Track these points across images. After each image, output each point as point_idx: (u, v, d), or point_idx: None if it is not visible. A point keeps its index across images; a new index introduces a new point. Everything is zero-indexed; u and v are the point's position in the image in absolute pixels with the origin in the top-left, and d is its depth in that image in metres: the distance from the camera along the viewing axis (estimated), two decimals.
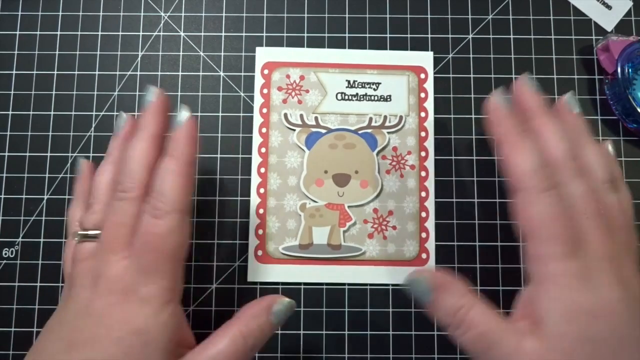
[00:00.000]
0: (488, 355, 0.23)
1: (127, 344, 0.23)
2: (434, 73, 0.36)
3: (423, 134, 0.35)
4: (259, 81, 0.35)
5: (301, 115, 0.35)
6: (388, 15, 0.36)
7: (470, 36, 0.36)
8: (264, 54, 0.36)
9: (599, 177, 0.25)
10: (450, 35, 0.36)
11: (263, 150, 0.34)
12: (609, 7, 0.36)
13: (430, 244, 0.34)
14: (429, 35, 0.36)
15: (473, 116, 0.35)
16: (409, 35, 0.36)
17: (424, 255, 0.33)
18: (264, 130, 0.35)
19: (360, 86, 0.35)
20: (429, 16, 0.36)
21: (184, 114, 0.26)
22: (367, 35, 0.36)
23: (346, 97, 0.35)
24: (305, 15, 0.36)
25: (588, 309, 0.22)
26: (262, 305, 0.26)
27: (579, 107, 0.28)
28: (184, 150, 0.25)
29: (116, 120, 0.30)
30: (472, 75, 0.36)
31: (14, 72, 0.35)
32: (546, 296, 0.23)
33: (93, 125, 0.35)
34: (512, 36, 0.36)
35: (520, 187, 0.24)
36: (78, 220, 0.27)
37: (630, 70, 0.34)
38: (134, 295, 0.23)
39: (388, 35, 0.36)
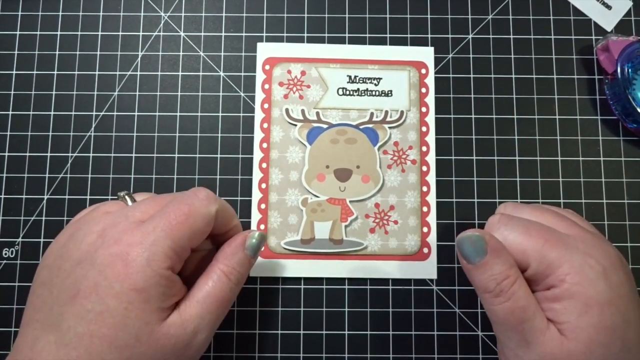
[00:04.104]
0: (517, 328, 0.24)
1: (128, 300, 0.23)
2: (434, 73, 0.36)
3: (424, 129, 0.35)
4: (260, 77, 0.35)
5: (302, 111, 0.35)
6: (388, 15, 0.36)
7: (470, 36, 0.36)
8: (265, 50, 0.36)
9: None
10: (450, 35, 0.36)
11: (264, 145, 0.34)
12: (608, 7, 0.37)
13: (432, 239, 0.34)
14: (429, 35, 0.36)
15: (473, 116, 0.35)
16: (408, 35, 0.36)
17: (425, 250, 0.33)
18: (265, 125, 0.35)
19: (361, 81, 0.35)
20: (429, 16, 0.36)
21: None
22: (367, 35, 0.36)
23: (347, 92, 0.35)
24: (305, 15, 0.36)
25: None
26: (237, 243, 0.28)
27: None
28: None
29: None
30: (472, 75, 0.36)
31: (14, 72, 0.35)
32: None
33: (93, 125, 0.35)
34: (512, 36, 0.36)
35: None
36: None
37: (630, 70, 0.34)
38: (139, 251, 0.24)
39: (388, 35, 0.36)
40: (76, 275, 0.24)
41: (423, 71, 0.35)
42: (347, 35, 0.36)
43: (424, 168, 0.34)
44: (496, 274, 0.25)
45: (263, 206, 0.34)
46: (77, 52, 0.36)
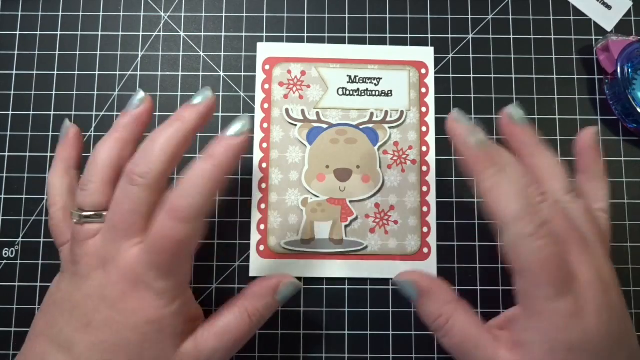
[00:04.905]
0: (464, 359, 0.25)
1: (142, 331, 0.23)
2: (434, 73, 0.36)
3: (424, 129, 0.35)
4: (260, 77, 0.35)
5: (302, 111, 0.35)
6: (388, 15, 0.36)
7: (470, 36, 0.36)
8: (265, 50, 0.36)
9: (562, 188, 0.26)
10: (450, 35, 0.36)
11: (264, 145, 0.34)
12: (608, 7, 0.37)
13: (432, 239, 0.34)
14: (429, 35, 0.36)
15: (473, 116, 0.35)
16: (408, 35, 0.36)
17: (425, 250, 0.33)
18: (265, 125, 0.35)
19: (361, 81, 0.35)
20: (429, 16, 0.36)
21: (244, 126, 0.25)
22: (367, 35, 0.36)
23: (347, 92, 0.35)
24: (305, 15, 0.36)
25: (573, 345, 0.22)
26: (268, 286, 0.27)
27: (523, 116, 0.27)
28: (226, 157, 0.24)
29: (133, 97, 0.27)
30: (472, 75, 0.36)
31: (14, 72, 0.35)
32: (533, 328, 0.23)
33: (93, 125, 0.35)
34: (512, 36, 0.36)
35: (507, 229, 0.23)
36: (77, 200, 0.26)
37: (630, 70, 0.34)
38: (146, 287, 0.24)
39: (388, 35, 0.36)
40: (87, 308, 0.24)
41: (423, 71, 0.35)
42: (347, 35, 0.36)
43: (424, 168, 0.34)
44: (428, 313, 0.26)
45: (263, 206, 0.34)
46: (77, 52, 0.36)
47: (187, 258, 0.25)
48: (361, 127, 0.35)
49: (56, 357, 0.23)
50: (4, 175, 0.34)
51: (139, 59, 0.36)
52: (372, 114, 0.35)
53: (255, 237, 0.33)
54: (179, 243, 0.23)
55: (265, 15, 0.36)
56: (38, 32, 0.36)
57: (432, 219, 0.34)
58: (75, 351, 0.23)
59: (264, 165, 0.34)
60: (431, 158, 0.35)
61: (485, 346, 0.24)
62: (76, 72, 0.35)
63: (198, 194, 0.23)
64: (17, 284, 0.33)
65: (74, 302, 0.24)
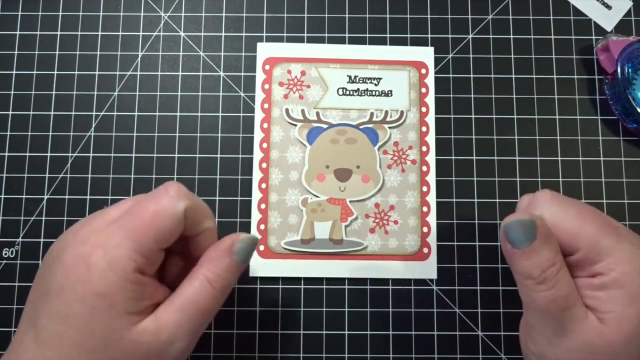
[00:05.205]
0: (557, 316, 0.24)
1: (91, 304, 0.22)
2: (434, 73, 0.36)
3: (424, 129, 0.35)
4: (260, 77, 0.35)
5: (302, 111, 0.35)
6: (388, 15, 0.36)
7: (470, 36, 0.36)
8: (265, 50, 0.36)
9: None
10: (450, 35, 0.36)
11: (264, 145, 0.34)
12: (608, 7, 0.37)
13: (432, 239, 0.34)
14: (429, 35, 0.36)
15: (473, 116, 0.35)
16: (408, 35, 0.36)
17: (425, 250, 0.33)
18: (265, 125, 0.35)
19: (361, 81, 0.35)
20: (429, 16, 0.36)
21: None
22: (367, 35, 0.36)
23: (347, 92, 0.35)
24: (305, 15, 0.36)
25: None
26: (223, 247, 0.25)
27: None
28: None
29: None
30: (472, 75, 0.36)
31: (14, 72, 0.35)
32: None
33: (93, 125, 0.35)
34: (512, 36, 0.36)
35: None
36: None
37: (630, 70, 0.34)
38: (100, 254, 0.22)
39: (388, 35, 0.36)
40: (50, 274, 0.23)
41: (423, 71, 0.35)
42: (347, 35, 0.36)
43: (424, 168, 0.34)
44: (542, 260, 0.24)
45: (263, 206, 0.34)
46: (77, 52, 0.36)
47: (154, 233, 0.24)
48: (361, 127, 0.35)
49: (30, 337, 0.23)
50: (4, 175, 0.34)
51: (139, 59, 0.36)
52: (372, 114, 0.35)
53: None
54: (153, 214, 0.23)
55: (265, 15, 0.36)
56: (38, 32, 0.36)
57: (432, 219, 0.34)
58: (40, 324, 0.22)
59: (264, 165, 0.34)
60: (431, 158, 0.35)
61: (581, 303, 0.24)
62: (76, 72, 0.35)
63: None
64: (17, 284, 0.33)
65: (43, 269, 0.24)
